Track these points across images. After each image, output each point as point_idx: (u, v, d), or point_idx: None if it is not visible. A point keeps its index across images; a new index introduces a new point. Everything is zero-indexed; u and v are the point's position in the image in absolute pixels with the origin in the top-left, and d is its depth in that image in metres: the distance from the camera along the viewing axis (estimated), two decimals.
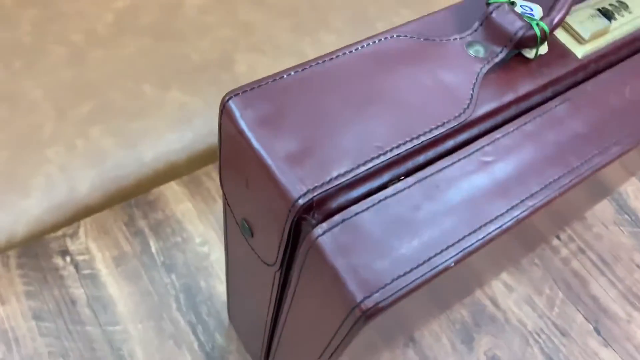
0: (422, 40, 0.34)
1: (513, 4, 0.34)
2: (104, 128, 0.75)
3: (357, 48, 0.32)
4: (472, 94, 0.32)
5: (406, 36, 0.33)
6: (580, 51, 0.36)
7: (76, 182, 0.71)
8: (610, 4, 0.38)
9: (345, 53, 0.32)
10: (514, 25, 0.33)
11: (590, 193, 0.45)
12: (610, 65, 0.36)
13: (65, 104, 0.76)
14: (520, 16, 0.33)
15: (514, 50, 0.34)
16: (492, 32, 0.33)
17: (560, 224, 0.57)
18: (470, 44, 0.34)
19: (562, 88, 0.34)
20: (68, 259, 0.66)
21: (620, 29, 0.37)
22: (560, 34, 0.36)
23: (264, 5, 0.89)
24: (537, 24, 0.32)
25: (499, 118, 0.32)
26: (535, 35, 0.32)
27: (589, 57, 0.36)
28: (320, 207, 0.27)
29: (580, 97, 0.34)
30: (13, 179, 0.70)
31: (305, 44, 0.87)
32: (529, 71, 0.34)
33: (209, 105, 0.79)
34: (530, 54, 0.34)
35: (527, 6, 0.35)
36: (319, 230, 0.26)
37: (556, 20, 0.32)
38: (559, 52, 0.35)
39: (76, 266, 0.66)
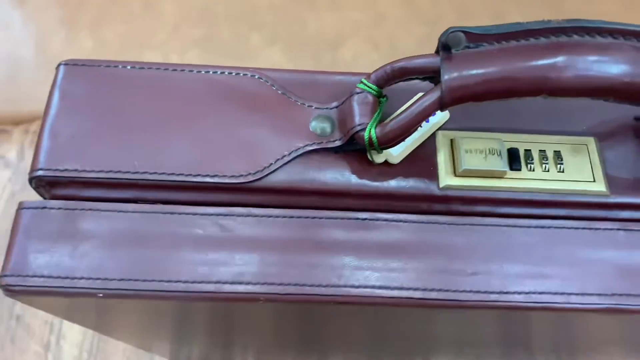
0: (279, 92, 0.32)
1: (382, 96, 0.30)
2: None
3: (209, 72, 0.32)
4: (271, 164, 0.30)
5: (267, 82, 0.32)
6: (446, 181, 0.30)
7: None
8: (541, 151, 0.31)
9: (193, 71, 0.32)
10: (355, 119, 0.29)
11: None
12: (482, 214, 0.30)
13: None
14: (371, 112, 0.29)
15: (359, 145, 0.30)
16: (344, 116, 0.30)
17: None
18: (317, 118, 0.31)
19: (381, 207, 0.30)
20: None
21: (524, 182, 0.30)
22: (444, 154, 0.31)
23: None
24: (371, 129, 0.29)
25: (275, 199, 0.30)
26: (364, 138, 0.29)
27: (454, 193, 0.30)
28: (54, 187, 0.30)
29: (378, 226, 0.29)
30: None
31: None
32: (357, 173, 0.30)
33: None
34: (373, 156, 0.30)
35: None
36: (28, 203, 0.29)
37: (387, 131, 0.28)
38: (421, 171, 0.31)
39: None
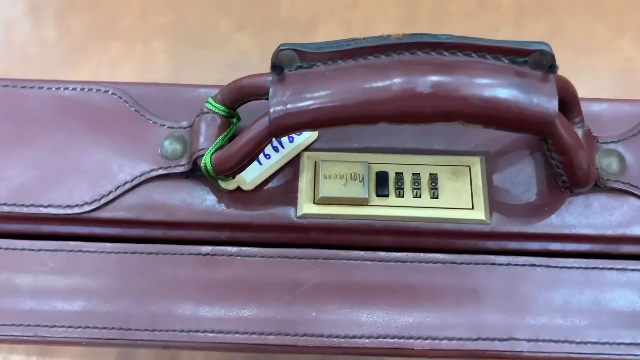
0: (132, 109, 0.29)
1: (233, 117, 0.27)
2: None
3: (60, 88, 0.30)
4: (110, 192, 0.27)
5: (120, 98, 0.30)
6: (304, 209, 0.27)
7: None
8: (414, 174, 0.28)
9: (43, 87, 0.30)
10: (199, 143, 0.27)
11: None
12: (339, 246, 0.27)
13: None
14: (217, 135, 0.26)
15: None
16: (192, 138, 0.28)
17: None
18: (169, 138, 0.28)
19: (233, 239, 0.27)
20: None
21: (390, 210, 0.27)
22: (306, 178, 0.28)
23: None
24: (208, 156, 0.26)
25: (114, 231, 0.27)
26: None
27: (312, 222, 0.27)
28: None
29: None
30: None
31: None
32: (206, 201, 0.27)
33: None
34: (220, 183, 0.27)
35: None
36: None
37: (222, 159, 0.25)
38: (279, 197, 0.28)
39: None
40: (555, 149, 0.24)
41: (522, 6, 0.88)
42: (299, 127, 0.24)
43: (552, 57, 0.23)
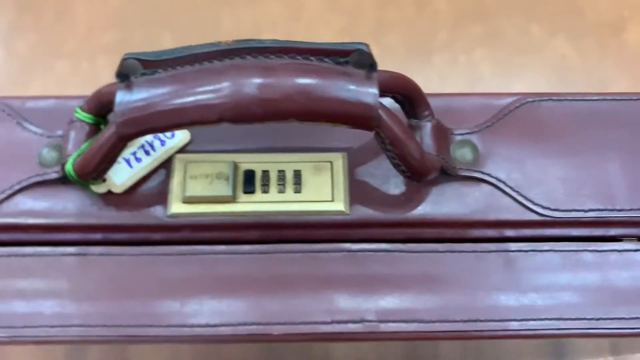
0: (15, 121, 0.31)
1: (100, 124, 0.29)
2: None
3: None
4: None
5: (4, 110, 0.31)
6: (174, 209, 0.29)
7: None
8: (279, 171, 0.30)
9: None
10: (67, 150, 0.28)
11: None
12: (209, 242, 0.29)
13: None
14: (80, 143, 0.28)
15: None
16: (64, 146, 0.29)
17: None
18: (48, 147, 0.30)
19: (107, 240, 0.29)
20: None
21: (255, 205, 0.29)
22: (177, 180, 0.29)
23: None
24: (71, 162, 0.27)
25: None
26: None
27: (182, 221, 0.29)
28: None
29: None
30: None
31: None
32: (79, 205, 0.29)
33: None
34: (91, 186, 0.29)
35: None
36: None
37: (82, 164, 0.27)
38: (151, 198, 0.29)
39: None
40: (387, 141, 0.26)
41: (459, 10, 0.91)
42: (143, 130, 0.25)
43: (370, 56, 0.24)
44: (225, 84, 0.24)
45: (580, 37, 0.85)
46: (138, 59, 0.25)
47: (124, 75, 0.25)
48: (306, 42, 0.24)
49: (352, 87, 0.24)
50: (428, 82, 0.83)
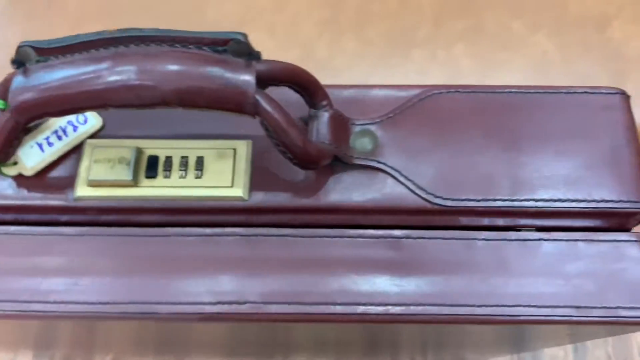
0: None
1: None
2: None
3: None
4: None
5: None
6: (79, 192, 0.30)
7: None
8: (182, 157, 0.31)
9: None
10: None
11: None
12: (114, 225, 0.30)
13: None
14: None
15: None
16: None
17: None
18: None
19: (18, 220, 0.30)
20: None
21: (156, 190, 0.30)
22: (86, 164, 0.31)
23: None
24: None
25: None
26: None
27: (87, 204, 0.30)
28: None
29: None
30: None
31: None
32: None
33: None
34: (2, 169, 0.30)
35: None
36: None
37: None
38: (59, 182, 0.31)
39: None
40: (270, 129, 0.27)
41: (442, 5, 0.91)
42: (36, 115, 0.27)
43: (248, 45, 0.25)
44: (107, 72, 0.25)
45: (563, 34, 0.84)
46: (32, 47, 0.26)
47: (20, 62, 0.26)
48: (186, 31, 0.25)
49: (226, 74, 0.25)
50: (405, 77, 0.83)
